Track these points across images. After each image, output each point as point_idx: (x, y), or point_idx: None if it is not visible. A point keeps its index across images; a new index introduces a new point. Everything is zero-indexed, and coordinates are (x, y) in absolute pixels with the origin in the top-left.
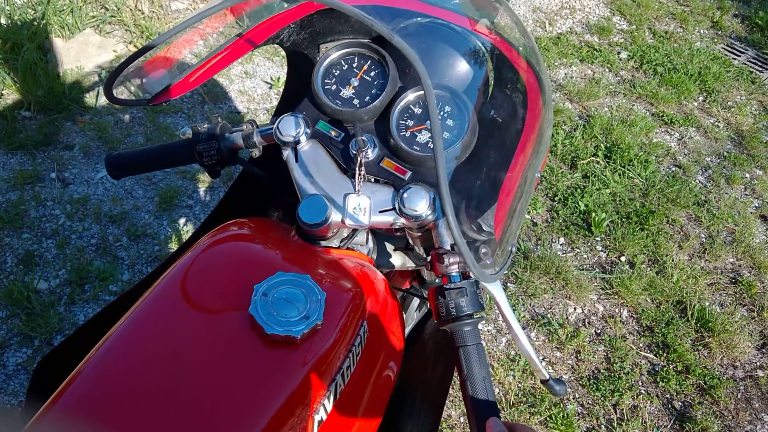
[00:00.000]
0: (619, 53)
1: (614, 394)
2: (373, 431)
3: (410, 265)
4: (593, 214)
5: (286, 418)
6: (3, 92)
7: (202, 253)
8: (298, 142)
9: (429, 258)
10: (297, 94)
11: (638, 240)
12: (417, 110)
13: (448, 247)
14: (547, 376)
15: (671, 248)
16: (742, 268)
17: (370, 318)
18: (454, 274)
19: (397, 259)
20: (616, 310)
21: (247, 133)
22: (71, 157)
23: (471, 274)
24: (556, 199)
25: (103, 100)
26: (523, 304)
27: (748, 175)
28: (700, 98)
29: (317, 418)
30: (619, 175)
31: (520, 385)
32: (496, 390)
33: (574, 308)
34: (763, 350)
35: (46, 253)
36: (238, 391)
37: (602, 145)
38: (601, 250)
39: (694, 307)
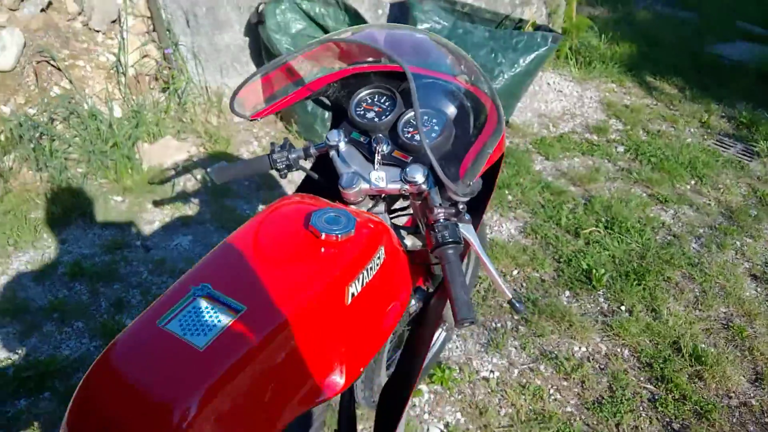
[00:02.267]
0: (616, 147)
1: (616, 416)
2: (380, 339)
3: (418, 244)
4: (594, 271)
5: (332, 286)
6: (101, 181)
7: (280, 202)
8: (339, 144)
9: (426, 219)
10: (338, 120)
11: (636, 293)
12: (413, 122)
13: (440, 208)
14: (510, 296)
15: (667, 299)
16: (733, 316)
17: (385, 249)
18: (441, 219)
19: (409, 241)
20: (618, 350)
21: (306, 147)
22: (152, 230)
23: (448, 190)
24: (561, 260)
25: (178, 187)
26: (533, 343)
27: (738, 242)
28: (692, 182)
29: (351, 291)
30: (618, 241)
31: (530, 407)
32: (510, 410)
33: (579, 347)
34: (756, 383)
35: (132, 299)
36: (304, 266)
37: (602, 218)
38: (603, 301)
39: (688, 345)
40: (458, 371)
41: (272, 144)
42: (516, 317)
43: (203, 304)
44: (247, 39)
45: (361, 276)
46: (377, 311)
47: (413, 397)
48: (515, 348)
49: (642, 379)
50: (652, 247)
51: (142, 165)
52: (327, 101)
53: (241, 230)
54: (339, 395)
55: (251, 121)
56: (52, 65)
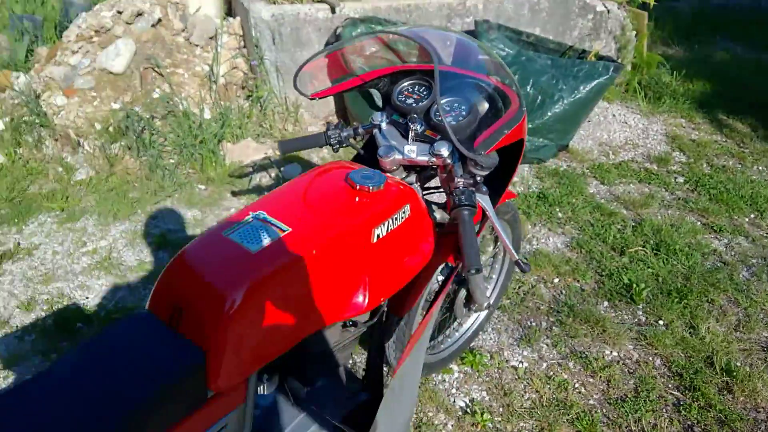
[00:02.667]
0: (675, 178)
1: (638, 413)
2: (400, 280)
3: (446, 217)
4: (635, 286)
5: (360, 225)
6: (189, 171)
7: (329, 164)
8: (381, 124)
9: (449, 188)
10: (384, 105)
11: (676, 309)
12: (445, 107)
13: (460, 177)
14: (517, 257)
15: (707, 319)
16: None
17: (411, 208)
18: (460, 187)
19: (438, 215)
20: (649, 358)
21: (355, 126)
22: (228, 215)
23: (459, 151)
24: (603, 274)
25: (254, 182)
26: (564, 342)
27: None
28: (752, 215)
29: (376, 233)
30: (663, 262)
31: (554, 395)
32: (533, 395)
33: (610, 351)
34: None
35: None
36: (340, 207)
37: (651, 240)
38: (641, 314)
39: (722, 361)
40: (489, 358)
41: (328, 123)
42: (551, 319)
43: (258, 224)
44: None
45: (386, 223)
46: (398, 256)
47: (444, 373)
48: (546, 345)
49: (670, 386)
50: (699, 271)
51: (224, 160)
52: (375, 91)
53: (294, 179)
54: (367, 356)
55: (311, 99)
56: (156, 71)
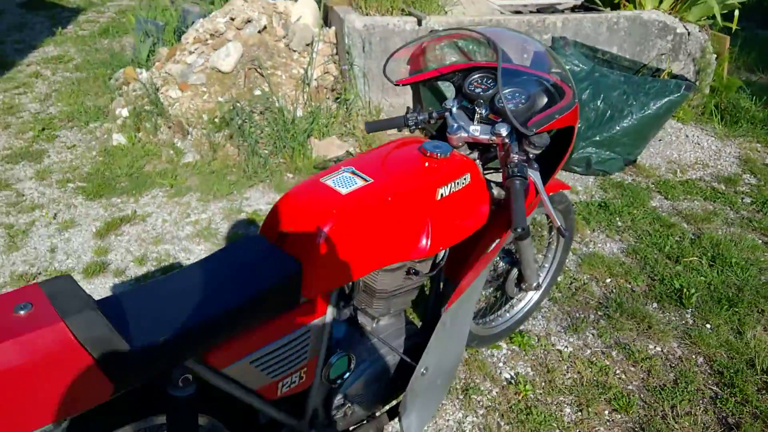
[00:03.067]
0: (742, 198)
1: (674, 400)
2: (457, 235)
3: (502, 193)
4: (685, 291)
5: (427, 184)
6: (280, 160)
7: (407, 137)
8: (452, 108)
9: (505, 163)
10: (456, 94)
11: (724, 315)
12: (506, 96)
13: (515, 153)
14: (559, 224)
15: (755, 326)
16: None
17: (470, 177)
18: (515, 161)
19: (495, 191)
20: (693, 356)
21: (430, 111)
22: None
23: (515, 128)
24: (655, 278)
25: None
26: (610, 334)
27: None
28: None
29: (440, 192)
30: (717, 272)
31: (594, 378)
32: (575, 376)
33: (654, 346)
34: None
35: None
36: (412, 168)
37: (708, 253)
38: (689, 317)
39: (764, 363)
40: (536, 340)
41: (408, 108)
42: (599, 313)
43: (348, 175)
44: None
45: (449, 185)
46: (457, 214)
47: (493, 348)
48: (592, 335)
49: (709, 381)
50: (753, 283)
51: (311, 153)
52: (449, 82)
53: (378, 146)
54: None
55: (396, 86)
56: (258, 72)
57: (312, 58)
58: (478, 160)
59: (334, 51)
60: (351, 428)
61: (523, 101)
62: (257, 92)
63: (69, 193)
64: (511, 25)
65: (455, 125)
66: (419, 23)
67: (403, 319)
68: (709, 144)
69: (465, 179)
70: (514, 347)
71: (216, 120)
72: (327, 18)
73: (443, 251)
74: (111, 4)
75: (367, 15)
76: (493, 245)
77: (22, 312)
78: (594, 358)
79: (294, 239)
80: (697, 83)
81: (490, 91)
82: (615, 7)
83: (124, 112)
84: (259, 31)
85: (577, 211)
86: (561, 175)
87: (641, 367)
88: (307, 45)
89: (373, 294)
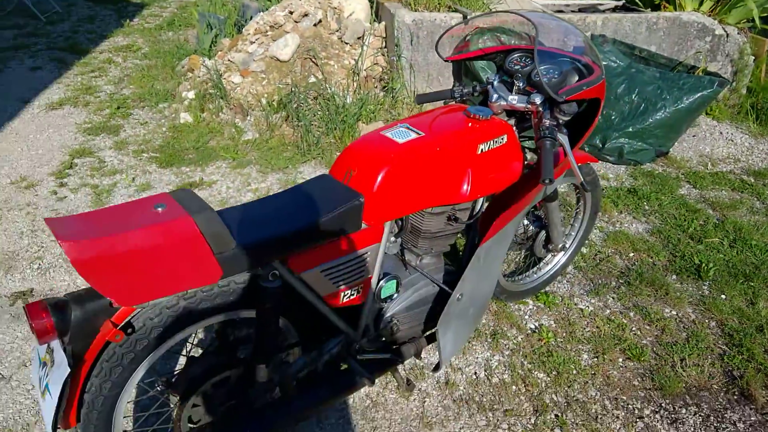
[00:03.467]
0: None
1: (684, 353)
2: (492, 187)
3: (534, 158)
4: (704, 266)
5: (470, 140)
6: (330, 140)
7: (453, 105)
8: (494, 81)
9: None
10: (497, 71)
11: (740, 288)
12: (541, 71)
13: (547, 119)
14: (582, 180)
15: None
16: None
17: (507, 138)
18: (547, 125)
19: (529, 155)
20: (706, 320)
21: (474, 85)
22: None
23: (547, 95)
24: (676, 255)
25: None
26: (629, 299)
27: None
28: None
29: (480, 147)
30: (737, 252)
31: (612, 332)
32: (594, 330)
33: (670, 310)
34: None
35: None
36: (458, 127)
37: (730, 235)
38: (705, 288)
39: None
40: (560, 300)
41: (454, 82)
42: (620, 281)
43: (404, 129)
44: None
45: (488, 143)
46: (494, 168)
47: (520, 304)
48: (612, 298)
49: (719, 342)
50: None
51: (359, 135)
52: (491, 61)
53: (428, 110)
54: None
55: (446, 61)
56: (313, 61)
57: (363, 50)
58: (514, 127)
59: (383, 44)
60: (394, 346)
61: (556, 76)
62: (311, 80)
63: (144, 162)
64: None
65: (496, 95)
66: (465, 19)
67: (442, 259)
68: (743, 141)
69: (503, 139)
70: (539, 304)
71: (274, 103)
72: (378, 13)
73: (481, 203)
74: (172, 0)
75: (416, 11)
76: (525, 197)
77: (159, 209)
78: (612, 317)
79: (358, 177)
80: (734, 83)
81: (528, 68)
82: (655, 8)
83: (190, 95)
84: (315, 25)
85: (607, 195)
86: (595, 164)
87: (656, 326)
88: (358, 38)
89: (419, 234)
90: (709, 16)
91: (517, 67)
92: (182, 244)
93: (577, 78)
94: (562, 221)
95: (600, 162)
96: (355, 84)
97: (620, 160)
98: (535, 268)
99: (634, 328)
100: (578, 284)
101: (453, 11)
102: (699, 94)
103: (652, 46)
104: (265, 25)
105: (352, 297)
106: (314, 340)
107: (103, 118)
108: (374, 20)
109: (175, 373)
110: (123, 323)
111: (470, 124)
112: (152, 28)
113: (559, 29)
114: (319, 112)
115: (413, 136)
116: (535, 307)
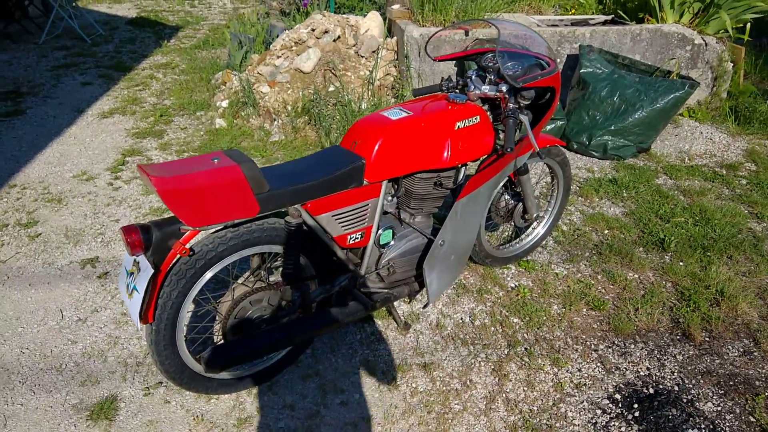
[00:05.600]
0: (739, 180)
1: (638, 305)
2: (467, 156)
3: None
4: (667, 239)
5: (449, 118)
6: None
7: (438, 94)
8: (472, 76)
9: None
10: (476, 67)
11: (697, 257)
12: (507, 66)
13: (511, 103)
14: (537, 149)
15: (720, 265)
16: None
17: (480, 119)
18: (510, 107)
19: (501, 135)
20: (663, 282)
21: (458, 80)
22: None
23: (509, 84)
24: (645, 232)
25: None
26: (599, 265)
27: None
28: None
29: (458, 125)
30: (699, 228)
31: (581, 290)
32: (565, 288)
33: (633, 274)
34: (764, 320)
35: None
36: (439, 109)
37: (696, 216)
38: (667, 258)
39: (719, 286)
40: (539, 266)
41: (442, 78)
42: (593, 252)
43: (397, 110)
44: (455, 68)
45: (464, 121)
46: (469, 141)
47: (503, 268)
48: (584, 265)
49: (672, 298)
50: (728, 238)
51: None
52: (472, 61)
53: (419, 97)
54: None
55: (434, 61)
56: (332, 73)
57: (376, 63)
58: (489, 112)
59: (395, 57)
60: (391, 284)
61: (518, 69)
62: (331, 88)
63: None
64: (545, 35)
65: (472, 86)
66: (466, 34)
67: (432, 219)
68: (721, 139)
69: (476, 119)
70: (521, 269)
71: (298, 109)
72: (390, 30)
73: (463, 173)
74: (204, 23)
75: (423, 26)
76: (494, 165)
77: (215, 160)
78: (582, 279)
79: (361, 146)
80: (715, 89)
81: (497, 64)
82: (640, 21)
83: (224, 104)
84: (334, 40)
85: (589, 184)
86: (582, 160)
87: (618, 285)
88: (373, 52)
89: (411, 196)
90: (689, 27)
91: (489, 64)
92: (231, 185)
93: (534, 67)
94: (534, 194)
95: (587, 157)
96: (369, 92)
97: (605, 155)
98: (517, 240)
99: (599, 288)
100: (556, 254)
101: (457, 28)
102: (672, 95)
103: (636, 55)
104: (290, 42)
105: (356, 240)
106: (328, 274)
107: (148, 124)
108: (387, 35)
109: (222, 293)
110: (188, 244)
111: (450, 107)
112: (188, 47)
113: (524, 35)
114: (337, 117)
115: (404, 115)
116: (516, 271)
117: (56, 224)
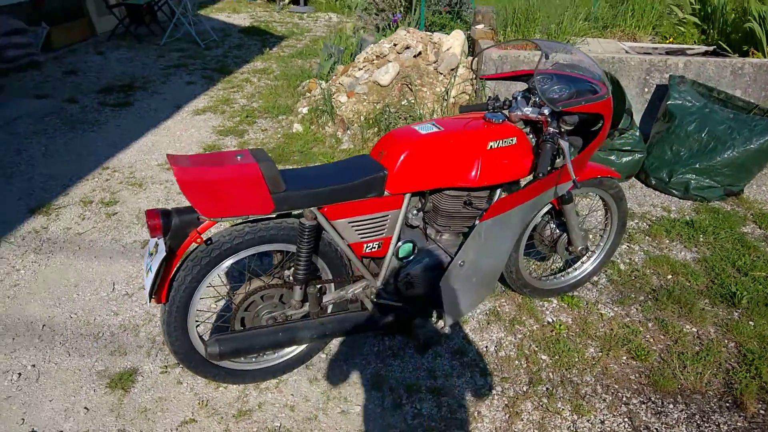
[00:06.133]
0: None
1: (689, 362)
2: (498, 178)
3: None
4: (738, 293)
5: (482, 137)
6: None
7: (477, 113)
8: (518, 97)
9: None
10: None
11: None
12: (553, 89)
13: (552, 127)
14: (573, 177)
15: None
16: None
17: (517, 140)
18: (550, 131)
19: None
20: (725, 340)
21: (504, 100)
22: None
23: (546, 104)
24: (715, 282)
25: None
26: (652, 312)
27: None
28: None
29: (490, 144)
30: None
31: (623, 335)
32: (607, 331)
33: (690, 327)
34: None
35: None
36: (474, 127)
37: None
38: (736, 315)
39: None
40: (584, 304)
41: (489, 97)
42: (649, 296)
43: (429, 126)
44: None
45: (498, 141)
46: (501, 162)
47: (544, 301)
48: (636, 309)
49: (731, 359)
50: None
51: None
52: (520, 81)
53: (456, 115)
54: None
55: (480, 78)
56: (408, 87)
57: (453, 80)
58: (531, 135)
59: (472, 75)
60: (409, 300)
61: (564, 93)
62: (404, 102)
63: None
64: (632, 63)
65: (515, 107)
66: (546, 57)
67: (459, 239)
68: None
69: (512, 140)
70: (563, 304)
71: (369, 120)
72: (473, 49)
73: (498, 194)
74: (307, 35)
75: (503, 48)
76: (527, 189)
77: (239, 158)
78: (629, 324)
79: (386, 157)
80: None
81: (545, 86)
82: (744, 54)
83: (304, 110)
84: (415, 56)
85: (661, 223)
86: (660, 197)
87: (671, 337)
88: (452, 70)
89: (438, 212)
90: None
91: (535, 86)
92: (248, 181)
93: (586, 96)
94: (582, 226)
95: (665, 195)
96: (442, 108)
97: (686, 194)
98: (563, 272)
99: (647, 336)
100: (606, 294)
101: (536, 49)
102: None
103: (737, 90)
104: (372, 55)
105: (373, 249)
106: (343, 280)
107: (233, 123)
108: (468, 54)
109: (237, 285)
110: (205, 234)
111: (485, 126)
112: (286, 56)
113: (579, 59)
114: None
115: (434, 130)
116: (558, 306)
117: (132, 206)
